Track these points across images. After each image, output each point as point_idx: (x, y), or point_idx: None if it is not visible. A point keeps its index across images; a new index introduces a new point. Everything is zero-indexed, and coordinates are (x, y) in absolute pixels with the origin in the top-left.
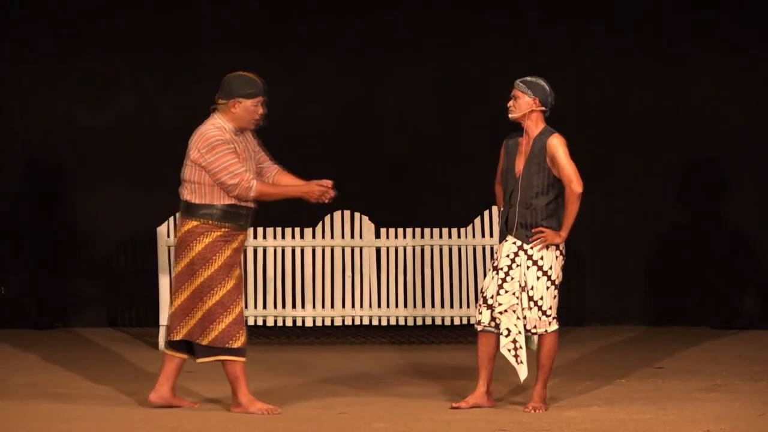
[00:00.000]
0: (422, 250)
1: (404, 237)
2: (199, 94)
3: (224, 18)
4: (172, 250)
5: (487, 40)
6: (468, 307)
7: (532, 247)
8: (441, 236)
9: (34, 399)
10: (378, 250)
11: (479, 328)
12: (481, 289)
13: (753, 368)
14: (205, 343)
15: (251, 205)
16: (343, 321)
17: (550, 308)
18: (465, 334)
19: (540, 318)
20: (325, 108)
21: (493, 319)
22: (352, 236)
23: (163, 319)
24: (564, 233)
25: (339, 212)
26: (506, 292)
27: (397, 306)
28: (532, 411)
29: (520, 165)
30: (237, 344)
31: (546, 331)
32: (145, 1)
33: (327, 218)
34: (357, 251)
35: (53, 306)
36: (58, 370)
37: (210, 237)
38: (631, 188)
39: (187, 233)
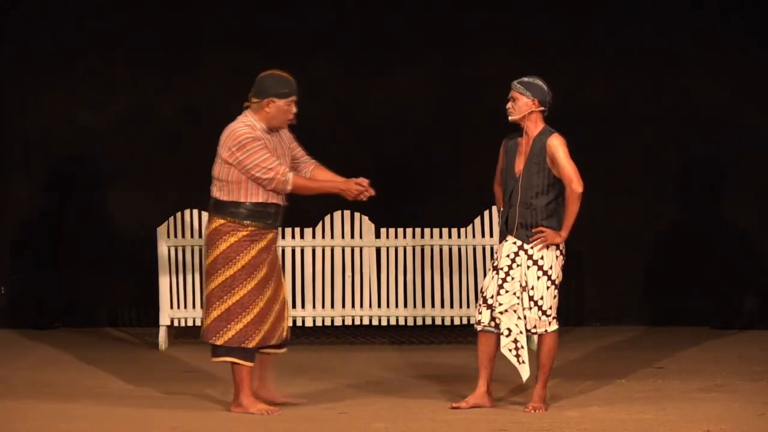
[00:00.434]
0: (422, 250)
1: (404, 237)
2: (199, 94)
3: (224, 18)
4: (172, 250)
5: (487, 40)
6: (468, 307)
7: (532, 247)
8: (441, 236)
9: (34, 399)
10: (378, 250)
11: (479, 328)
12: (481, 289)
13: (753, 368)
14: (220, 342)
15: (280, 202)
16: (343, 321)
17: (550, 308)
18: (465, 334)
19: (540, 318)
20: (325, 108)
21: (492, 319)
22: (352, 236)
23: (164, 319)
24: (564, 233)
25: (339, 212)
26: (507, 292)
27: (397, 306)
28: (532, 411)
29: (519, 165)
30: (252, 344)
31: (546, 330)
32: (145, 1)
33: (327, 218)
34: (357, 251)
35: (53, 306)
36: (58, 370)
37: (235, 236)
38: (631, 188)
39: (214, 231)
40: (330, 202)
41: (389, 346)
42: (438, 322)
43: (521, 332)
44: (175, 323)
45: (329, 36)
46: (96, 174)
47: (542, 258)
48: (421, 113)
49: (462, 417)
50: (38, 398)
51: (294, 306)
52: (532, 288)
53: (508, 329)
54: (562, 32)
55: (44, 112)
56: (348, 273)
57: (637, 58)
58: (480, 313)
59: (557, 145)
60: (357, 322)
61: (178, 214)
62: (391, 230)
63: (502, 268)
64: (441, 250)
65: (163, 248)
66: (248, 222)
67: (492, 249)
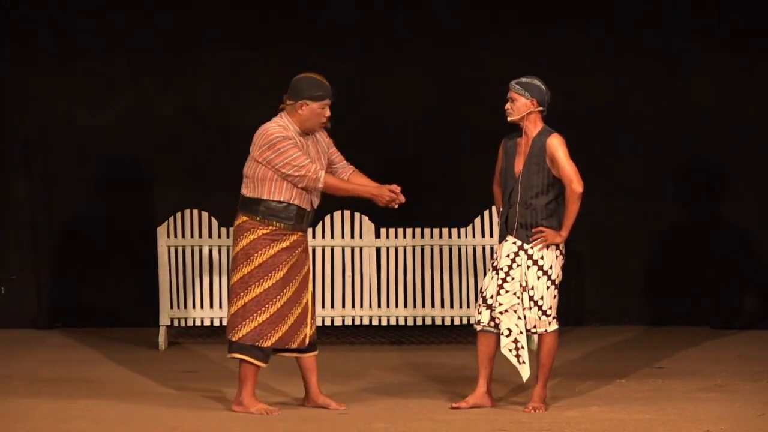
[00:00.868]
0: (422, 250)
1: (404, 237)
2: (199, 94)
3: (224, 18)
4: (172, 250)
5: (487, 39)
6: (468, 307)
7: (532, 247)
8: (441, 236)
9: (34, 399)
10: (378, 250)
11: (478, 328)
12: (481, 288)
13: (753, 368)
14: (235, 339)
15: (305, 205)
16: (343, 321)
17: (550, 308)
18: (465, 334)
19: (540, 318)
20: None
21: (492, 319)
22: (352, 236)
23: (164, 319)
24: (564, 233)
25: (339, 212)
26: (507, 292)
27: (397, 306)
28: (532, 411)
29: (519, 165)
30: (267, 343)
31: (546, 330)
32: (145, 1)
33: (327, 218)
34: (357, 251)
35: (53, 306)
36: (58, 370)
37: (255, 234)
38: (631, 188)
39: (237, 228)
40: (330, 202)
41: (389, 346)
42: (438, 322)
43: (521, 332)
44: (175, 323)
45: (329, 36)
46: (96, 174)
47: (542, 258)
48: (421, 113)
49: (462, 417)
50: (38, 398)
51: None
52: (532, 288)
53: (508, 329)
54: (562, 32)
55: (44, 112)
56: (348, 273)
57: (637, 58)
58: (479, 313)
59: (557, 145)
60: (357, 322)
61: (178, 214)
62: (391, 230)
63: (502, 268)
64: (441, 250)
65: (163, 248)
66: (268, 221)
67: (492, 249)
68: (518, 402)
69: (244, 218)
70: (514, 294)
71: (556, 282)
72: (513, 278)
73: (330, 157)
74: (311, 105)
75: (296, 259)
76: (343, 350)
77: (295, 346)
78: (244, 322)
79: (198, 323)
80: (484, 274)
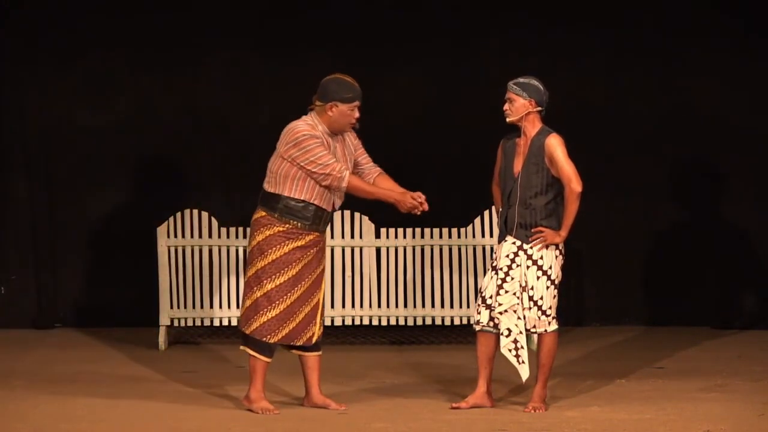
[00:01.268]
0: (422, 250)
1: (404, 237)
2: (199, 94)
3: (224, 18)
4: (172, 249)
5: (486, 39)
6: (468, 307)
7: (531, 247)
8: (441, 236)
9: (34, 399)
10: (378, 250)
11: (478, 328)
12: (480, 289)
13: (753, 368)
14: (248, 332)
15: (324, 206)
16: (343, 321)
17: (550, 308)
18: (465, 334)
19: (539, 318)
20: None
21: (491, 319)
22: (352, 236)
23: (164, 319)
24: (564, 233)
25: (339, 212)
26: (506, 292)
27: (397, 306)
28: (532, 411)
29: (518, 165)
30: (273, 339)
31: (545, 330)
32: (145, 1)
33: None
34: (357, 251)
35: (53, 306)
36: (58, 370)
37: (271, 230)
38: (631, 188)
39: (254, 222)
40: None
41: (389, 346)
42: (438, 322)
43: (521, 332)
44: (175, 323)
45: (329, 35)
46: (96, 174)
47: (542, 258)
48: (421, 113)
49: (462, 417)
50: (38, 398)
51: None
52: (532, 288)
53: (508, 329)
54: (562, 32)
55: (44, 112)
56: (348, 273)
57: (637, 58)
58: (479, 313)
59: (555, 144)
60: (357, 322)
61: (178, 214)
62: (391, 230)
63: (501, 269)
64: (441, 250)
65: (163, 248)
66: (285, 219)
67: (492, 249)
68: (518, 402)
69: (263, 213)
70: (514, 294)
71: (556, 282)
72: (512, 278)
73: (357, 158)
74: (341, 107)
75: (311, 258)
76: (343, 350)
77: (300, 343)
78: (255, 317)
79: (198, 323)
80: (484, 274)
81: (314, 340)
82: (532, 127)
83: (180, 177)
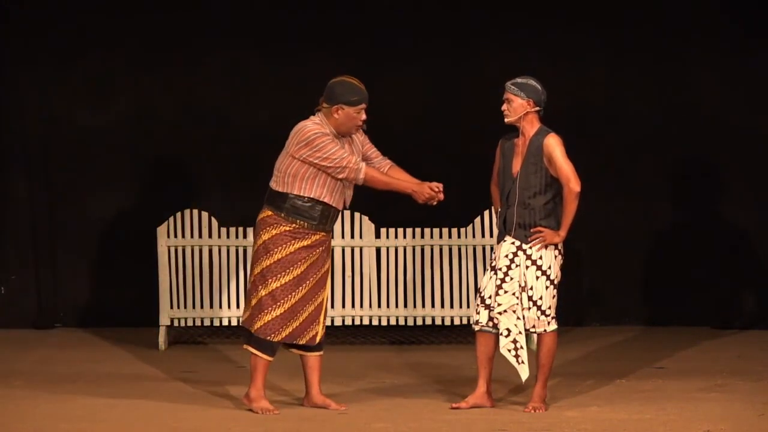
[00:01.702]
0: (422, 250)
1: (404, 237)
2: (199, 94)
3: (224, 18)
4: (172, 250)
5: (486, 39)
6: (468, 307)
7: (531, 247)
8: (441, 236)
9: (34, 399)
10: (378, 250)
11: (477, 328)
12: (479, 289)
13: (753, 368)
14: (253, 330)
15: (335, 203)
16: (343, 321)
17: (550, 308)
18: (465, 334)
19: (539, 318)
20: None
21: (491, 319)
22: (352, 236)
23: (163, 319)
24: (563, 232)
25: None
26: (506, 292)
27: (397, 306)
28: (532, 411)
29: (516, 165)
30: (277, 338)
31: (545, 330)
32: (145, 1)
33: None
34: (357, 251)
35: (53, 306)
36: (58, 370)
37: (277, 229)
38: (631, 188)
39: (260, 221)
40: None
41: (389, 346)
42: (438, 322)
43: (520, 332)
44: (175, 323)
45: (329, 35)
46: (96, 174)
47: (541, 258)
48: (420, 113)
49: (462, 417)
50: (38, 398)
51: None
52: (531, 288)
53: (507, 329)
54: (562, 32)
55: (44, 112)
56: (348, 273)
57: (637, 58)
58: (478, 313)
59: (554, 144)
60: (357, 322)
61: (178, 214)
62: (391, 230)
63: (500, 269)
64: (441, 250)
65: (163, 248)
66: (291, 218)
67: (492, 249)
68: (518, 402)
69: (269, 212)
70: (513, 294)
71: (555, 282)
72: (512, 278)
73: (366, 153)
74: (347, 109)
75: (316, 258)
76: (343, 350)
77: (303, 342)
78: (259, 315)
79: (198, 323)
80: (484, 274)
81: (317, 339)
82: (531, 127)
83: (180, 177)
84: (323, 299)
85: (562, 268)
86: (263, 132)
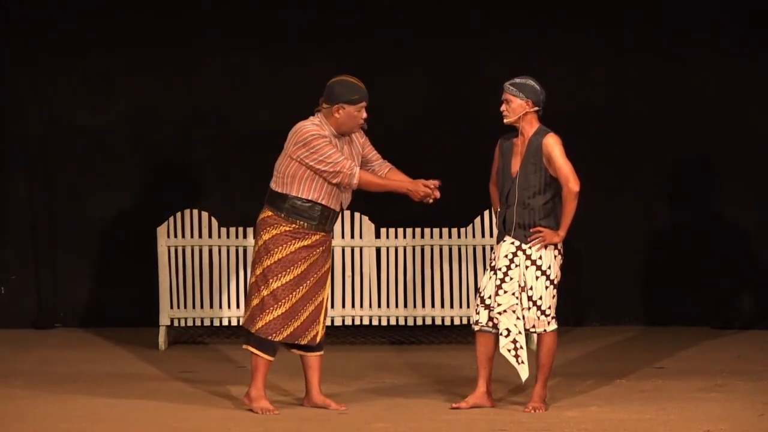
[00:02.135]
0: (422, 250)
1: (404, 237)
2: (199, 94)
3: (224, 18)
4: (172, 250)
5: (487, 39)
6: (468, 307)
7: (530, 247)
8: (441, 236)
9: (34, 399)
10: (378, 250)
11: (476, 328)
12: (478, 289)
13: (753, 368)
14: (253, 330)
15: (331, 205)
16: (343, 321)
17: (549, 308)
18: (465, 334)
19: (539, 318)
20: None
21: (490, 319)
22: (352, 236)
23: (163, 319)
24: (562, 232)
25: None
26: (505, 292)
27: (397, 306)
28: (532, 411)
29: (516, 165)
30: (278, 338)
31: (545, 330)
32: (145, 1)
33: None
34: (357, 251)
35: (53, 306)
36: (58, 370)
37: (277, 229)
38: (631, 188)
39: (261, 222)
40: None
41: (389, 346)
42: (438, 322)
43: (520, 332)
44: (175, 323)
45: (329, 35)
46: (96, 174)
47: (540, 258)
48: (421, 113)
49: (462, 417)
50: (38, 398)
51: None
52: (531, 288)
53: (507, 329)
54: (562, 32)
55: (44, 112)
56: (348, 273)
57: (637, 58)
58: (477, 313)
59: (553, 144)
60: (357, 322)
61: (178, 214)
62: (391, 230)
63: (500, 269)
64: (441, 250)
65: (163, 248)
66: (291, 218)
67: (492, 249)
68: (518, 402)
69: (269, 213)
70: (513, 294)
71: (555, 282)
72: (511, 278)
73: (366, 155)
74: (348, 108)
75: (317, 258)
76: (343, 350)
77: (304, 342)
78: (261, 315)
79: (198, 323)
80: (484, 274)
81: (318, 339)
82: (530, 127)
83: (180, 177)
84: (323, 299)
85: (562, 268)
86: (263, 132)
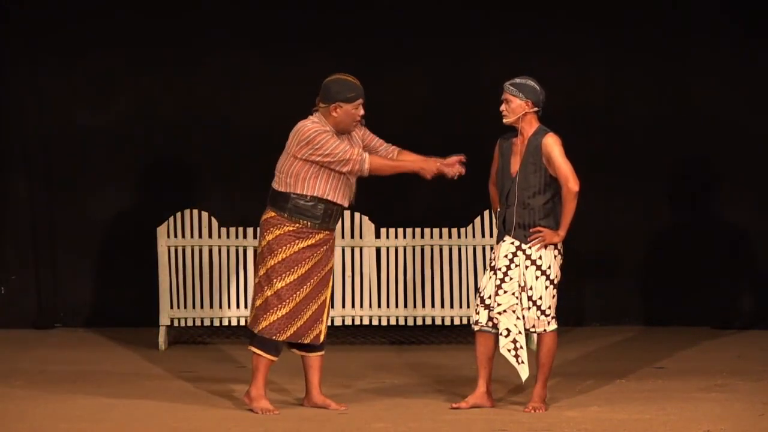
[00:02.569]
0: (422, 250)
1: (404, 237)
2: (199, 94)
3: (224, 18)
4: (172, 250)
5: (486, 39)
6: (468, 307)
7: (530, 247)
8: (441, 236)
9: (34, 399)
10: (378, 250)
11: (476, 328)
12: (478, 289)
13: (753, 368)
14: (257, 331)
15: (339, 200)
16: (343, 321)
17: (549, 308)
18: (465, 334)
19: (539, 318)
20: None
21: (490, 319)
22: (352, 236)
23: (163, 319)
24: (562, 232)
25: None
26: (505, 292)
27: (397, 306)
28: (532, 411)
29: (515, 165)
30: (282, 337)
31: (545, 330)
32: (145, 1)
33: None
34: (357, 251)
35: (53, 306)
36: (58, 370)
37: (281, 230)
38: (631, 188)
39: (264, 222)
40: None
41: (389, 346)
42: (438, 322)
43: (520, 332)
44: (175, 323)
45: (328, 35)
46: (96, 174)
47: (540, 258)
48: (420, 112)
49: (462, 417)
50: (38, 398)
51: None
52: (531, 288)
53: (507, 329)
54: (562, 32)
55: (44, 112)
56: (348, 273)
57: (637, 58)
58: (477, 313)
59: (552, 144)
60: (357, 322)
61: (178, 214)
62: (391, 230)
63: (500, 269)
64: (441, 250)
65: (163, 248)
66: (294, 218)
67: (492, 249)
68: (518, 402)
69: (272, 213)
70: (513, 294)
71: (555, 282)
72: (511, 278)
73: (369, 144)
74: (345, 107)
75: (320, 257)
76: (343, 350)
77: (307, 341)
78: (264, 315)
79: (198, 323)
80: (484, 274)
81: (321, 339)
82: (530, 127)
83: (180, 177)
84: (326, 298)
85: (562, 267)
86: (263, 132)
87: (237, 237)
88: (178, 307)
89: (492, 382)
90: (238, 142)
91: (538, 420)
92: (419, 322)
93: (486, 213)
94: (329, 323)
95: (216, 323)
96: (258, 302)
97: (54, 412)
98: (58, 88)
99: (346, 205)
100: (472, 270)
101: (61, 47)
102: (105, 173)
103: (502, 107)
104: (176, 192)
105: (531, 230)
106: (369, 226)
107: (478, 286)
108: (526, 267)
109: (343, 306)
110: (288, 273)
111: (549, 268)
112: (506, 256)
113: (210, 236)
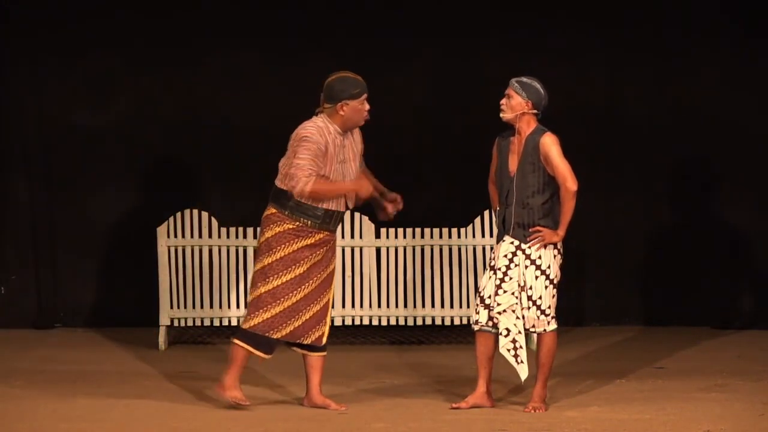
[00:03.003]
0: (422, 250)
1: (404, 237)
2: (199, 94)
3: (224, 18)
4: (172, 250)
5: (486, 39)
6: (468, 307)
7: (530, 247)
8: (441, 236)
9: (34, 399)
10: (378, 250)
11: (476, 327)
12: (478, 289)
13: (753, 368)
14: (245, 327)
15: (335, 207)
16: (343, 321)
17: (549, 307)
18: (465, 334)
19: (539, 317)
20: None
21: (490, 318)
22: (352, 236)
23: (163, 319)
24: (561, 232)
25: None
26: (505, 292)
27: (396, 306)
28: (532, 411)
29: (513, 164)
30: (277, 335)
31: (545, 330)
32: (145, 1)
33: None
34: (357, 251)
35: (53, 306)
36: (58, 370)
37: (280, 227)
38: (631, 188)
39: (265, 219)
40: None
41: (389, 346)
42: (438, 322)
43: (520, 332)
44: (175, 323)
45: (328, 35)
46: (96, 174)
47: (540, 257)
48: (420, 112)
49: (462, 417)
50: (38, 398)
51: None
52: (531, 288)
53: (507, 329)
54: (562, 32)
55: (44, 112)
56: (348, 273)
57: (637, 58)
58: (477, 313)
59: (550, 143)
60: (357, 322)
61: (178, 214)
62: (391, 230)
63: (499, 269)
64: (441, 250)
65: (163, 248)
66: (294, 216)
67: (492, 249)
68: (518, 402)
69: (273, 210)
70: (513, 294)
71: (555, 281)
72: (511, 278)
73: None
74: (351, 103)
75: (320, 258)
76: (343, 350)
77: (309, 342)
78: (257, 312)
79: (198, 323)
80: (483, 274)
81: (323, 340)
82: (527, 126)
83: (180, 177)
84: (329, 299)
85: (562, 267)
86: (263, 132)
87: (237, 237)
88: (178, 307)
89: (492, 382)
90: (238, 142)
91: (538, 420)
92: (419, 322)
93: (486, 213)
94: (330, 323)
95: (216, 323)
96: (250, 298)
97: (54, 412)
98: (58, 88)
99: (342, 210)
100: (472, 270)
101: (61, 47)
102: (105, 173)
103: (502, 101)
104: (176, 192)
105: (530, 230)
106: (369, 226)
107: (478, 286)
108: (526, 267)
109: (343, 306)
110: (286, 271)
111: (549, 267)
112: (506, 255)
113: (210, 236)
